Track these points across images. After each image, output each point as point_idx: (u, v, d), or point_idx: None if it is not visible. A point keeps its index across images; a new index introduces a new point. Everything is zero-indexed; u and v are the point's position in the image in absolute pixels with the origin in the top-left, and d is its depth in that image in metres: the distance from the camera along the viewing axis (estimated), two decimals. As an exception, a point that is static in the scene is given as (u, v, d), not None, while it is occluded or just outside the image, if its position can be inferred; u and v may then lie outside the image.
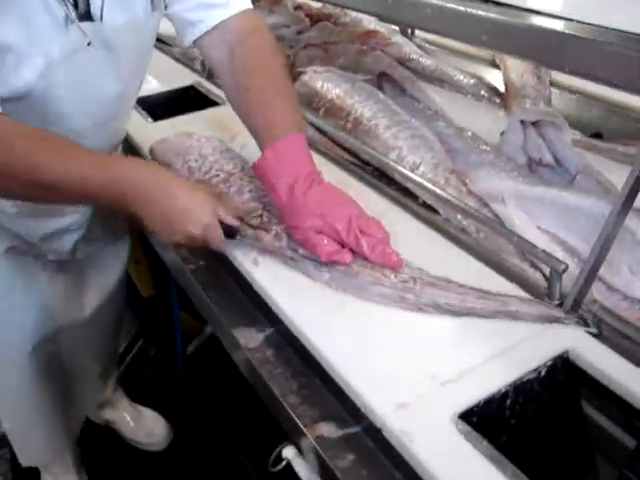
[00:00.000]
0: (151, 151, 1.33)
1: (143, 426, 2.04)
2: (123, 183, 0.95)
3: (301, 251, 0.99)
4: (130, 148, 1.50)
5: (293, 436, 0.84)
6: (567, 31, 0.82)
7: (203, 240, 1.00)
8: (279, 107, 1.07)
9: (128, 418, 2.04)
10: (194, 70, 1.93)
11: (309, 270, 0.98)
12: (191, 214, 0.97)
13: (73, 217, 1.30)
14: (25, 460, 1.76)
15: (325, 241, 0.96)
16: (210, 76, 1.84)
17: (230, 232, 1.01)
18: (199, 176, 1.19)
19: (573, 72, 0.86)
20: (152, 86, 1.76)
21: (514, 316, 0.87)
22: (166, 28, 2.22)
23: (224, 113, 1.50)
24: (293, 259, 0.99)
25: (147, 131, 1.46)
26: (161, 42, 2.21)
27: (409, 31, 2.02)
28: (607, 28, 0.79)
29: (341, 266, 0.94)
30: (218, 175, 1.17)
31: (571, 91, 1.49)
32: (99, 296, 1.60)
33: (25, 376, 1.51)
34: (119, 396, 2.04)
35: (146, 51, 1.19)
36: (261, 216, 1.06)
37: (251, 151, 1.25)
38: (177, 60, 2.07)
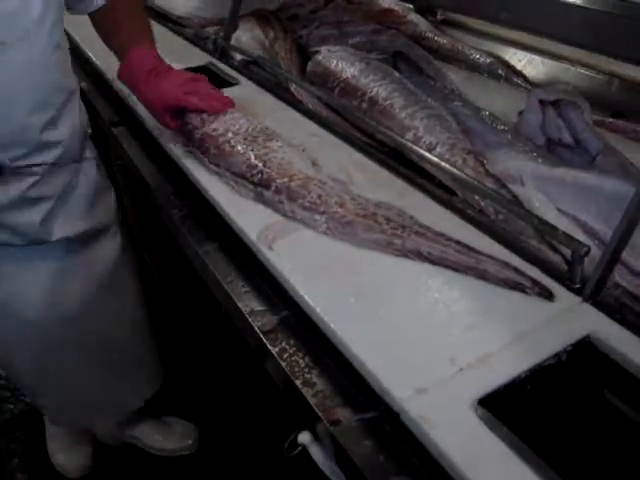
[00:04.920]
0: None
1: (170, 435, 1.99)
2: None
3: (300, 201, 1.06)
4: (137, 126, 1.49)
5: (309, 421, 0.83)
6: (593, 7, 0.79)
7: None
8: (136, 30, 1.35)
9: (152, 431, 1.99)
10: (206, 50, 1.90)
11: (308, 221, 1.04)
12: None
13: (32, 179, 1.24)
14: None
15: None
16: (222, 56, 1.82)
17: None
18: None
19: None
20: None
21: (482, 276, 0.90)
22: (177, 7, 2.21)
23: (238, 93, 1.48)
24: (293, 213, 1.06)
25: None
26: (172, 22, 2.19)
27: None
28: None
29: (337, 215, 1.02)
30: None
31: (592, 69, 1.45)
32: (86, 292, 1.52)
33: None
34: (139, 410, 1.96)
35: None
36: (262, 172, 1.12)
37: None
38: (188, 40, 2.04)
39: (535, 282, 0.88)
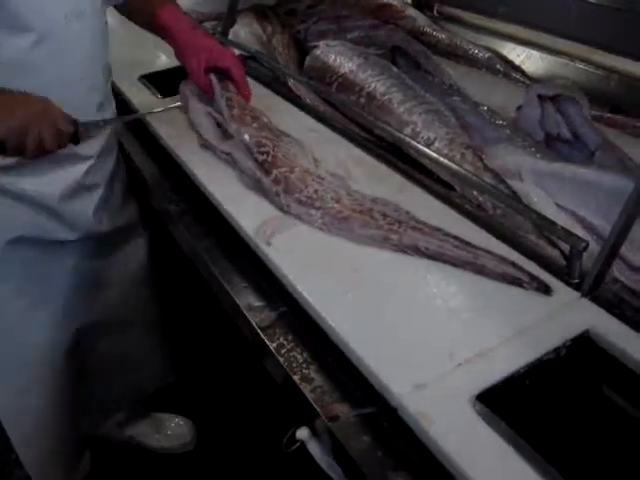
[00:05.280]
0: None
1: (168, 432, 1.99)
2: None
3: (296, 195, 1.06)
4: (137, 124, 1.48)
5: (307, 417, 0.83)
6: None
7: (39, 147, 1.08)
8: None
9: (150, 429, 1.99)
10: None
11: (303, 215, 1.04)
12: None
13: (87, 163, 1.29)
14: None
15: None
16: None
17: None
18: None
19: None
20: (161, 62, 1.74)
21: (480, 270, 0.90)
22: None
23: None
24: (288, 207, 1.06)
25: (156, 107, 1.44)
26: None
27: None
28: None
29: (333, 211, 1.02)
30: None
31: (590, 64, 1.45)
32: (120, 292, 1.58)
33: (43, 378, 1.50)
34: (137, 408, 1.98)
35: None
36: (268, 153, 1.13)
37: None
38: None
39: (533, 277, 0.88)
